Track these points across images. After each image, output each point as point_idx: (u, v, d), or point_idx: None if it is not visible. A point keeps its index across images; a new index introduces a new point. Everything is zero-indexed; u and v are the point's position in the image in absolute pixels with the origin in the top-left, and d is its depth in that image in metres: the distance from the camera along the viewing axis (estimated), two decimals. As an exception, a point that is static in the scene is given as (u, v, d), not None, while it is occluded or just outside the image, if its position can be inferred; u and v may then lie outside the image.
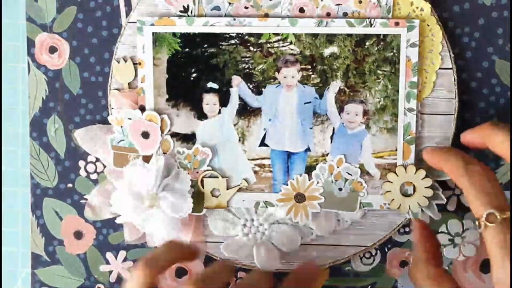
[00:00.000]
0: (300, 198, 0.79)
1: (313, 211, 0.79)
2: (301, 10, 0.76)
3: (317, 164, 0.78)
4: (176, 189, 0.77)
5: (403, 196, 0.77)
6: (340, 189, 0.78)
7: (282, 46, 0.76)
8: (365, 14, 0.76)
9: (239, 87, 0.77)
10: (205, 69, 0.77)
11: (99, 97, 0.80)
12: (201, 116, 0.78)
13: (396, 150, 0.77)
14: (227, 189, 0.79)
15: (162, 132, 0.78)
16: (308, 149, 0.78)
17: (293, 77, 0.77)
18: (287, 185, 0.78)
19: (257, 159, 0.79)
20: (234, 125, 0.78)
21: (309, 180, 0.78)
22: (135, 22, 0.77)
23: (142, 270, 0.67)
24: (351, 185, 0.78)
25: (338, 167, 0.78)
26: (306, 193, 0.78)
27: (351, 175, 0.78)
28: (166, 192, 0.76)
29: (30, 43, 0.80)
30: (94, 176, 0.81)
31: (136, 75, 0.78)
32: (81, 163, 0.81)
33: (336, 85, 0.77)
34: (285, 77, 0.77)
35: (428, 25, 0.76)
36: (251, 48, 0.77)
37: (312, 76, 0.77)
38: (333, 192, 0.78)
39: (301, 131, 0.78)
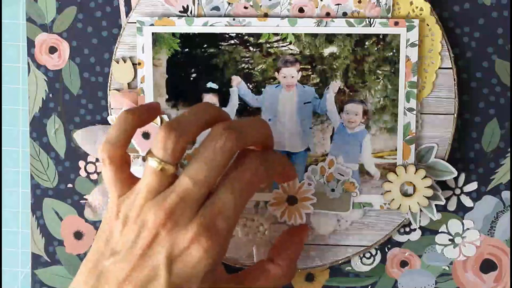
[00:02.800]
0: (292, 200, 0.78)
1: (306, 212, 0.79)
2: (301, 10, 0.76)
3: (317, 164, 0.78)
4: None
5: (403, 196, 0.77)
6: (333, 190, 0.78)
7: (282, 46, 0.76)
8: (364, 14, 0.76)
9: (238, 87, 0.77)
10: (204, 69, 0.77)
11: (99, 97, 0.80)
12: (201, 116, 0.78)
13: (396, 150, 0.77)
14: (227, 189, 0.79)
15: (162, 132, 0.78)
16: (308, 149, 0.78)
17: (292, 77, 0.77)
18: (278, 188, 0.79)
19: (257, 159, 0.78)
20: (234, 125, 0.78)
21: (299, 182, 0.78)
22: (135, 23, 0.77)
23: (167, 134, 0.61)
24: (343, 186, 0.78)
25: (329, 168, 0.78)
26: (298, 195, 0.78)
27: (343, 175, 0.78)
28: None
29: (30, 43, 0.80)
30: (94, 176, 0.81)
31: (135, 75, 0.78)
32: (81, 163, 0.81)
33: (335, 85, 0.77)
34: (284, 77, 0.77)
35: (427, 25, 0.76)
36: (251, 48, 0.77)
37: (312, 76, 0.77)
38: (325, 193, 0.78)
39: (301, 131, 0.78)
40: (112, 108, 0.79)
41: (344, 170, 0.78)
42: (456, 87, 0.77)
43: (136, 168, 0.76)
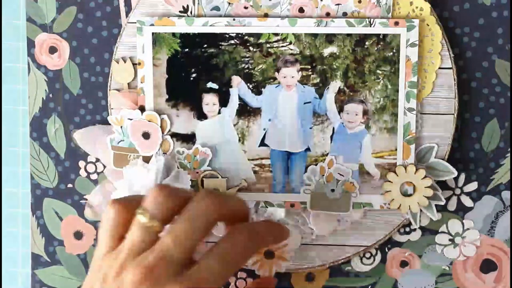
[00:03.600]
0: (269, 254, 0.79)
1: (277, 270, 0.79)
2: (301, 10, 0.76)
3: (316, 164, 0.78)
4: (176, 189, 0.76)
5: (403, 196, 0.77)
6: (332, 190, 0.78)
7: (282, 46, 0.76)
8: (364, 13, 0.76)
9: (238, 87, 0.77)
10: (204, 69, 0.77)
11: (99, 97, 0.80)
12: (201, 116, 0.78)
13: (396, 150, 0.77)
14: (227, 189, 0.79)
15: (162, 133, 0.78)
16: (308, 149, 0.78)
17: (292, 77, 0.77)
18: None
19: (257, 159, 0.79)
20: (234, 125, 0.78)
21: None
22: (135, 23, 0.77)
23: (159, 191, 0.61)
24: (343, 186, 0.78)
25: (329, 168, 0.78)
26: (276, 252, 0.79)
27: (343, 176, 0.78)
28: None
29: (30, 43, 0.80)
30: (94, 176, 0.81)
31: (135, 76, 0.78)
32: (81, 163, 0.81)
33: (335, 85, 0.77)
34: (284, 77, 0.77)
35: (427, 25, 0.76)
36: (251, 48, 0.77)
37: (312, 76, 0.77)
38: (325, 194, 0.78)
39: (301, 131, 0.78)
40: (112, 108, 0.79)
41: (344, 170, 0.77)
42: (456, 87, 0.77)
43: (136, 168, 0.76)
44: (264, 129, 0.78)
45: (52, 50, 0.80)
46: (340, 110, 0.77)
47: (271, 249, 0.78)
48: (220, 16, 0.77)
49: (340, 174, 0.78)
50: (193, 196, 0.63)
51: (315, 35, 0.76)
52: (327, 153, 0.78)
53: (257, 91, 0.77)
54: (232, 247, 0.62)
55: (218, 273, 0.60)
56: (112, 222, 0.62)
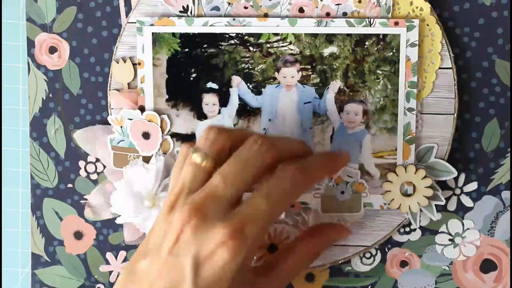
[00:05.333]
0: (272, 248, 0.79)
1: None
2: (301, 10, 0.76)
3: (316, 164, 0.78)
4: (176, 189, 0.76)
5: (403, 196, 0.77)
6: (342, 192, 0.78)
7: (282, 46, 0.76)
8: (364, 13, 0.76)
9: (238, 87, 0.77)
10: (204, 69, 0.77)
11: (99, 97, 0.80)
12: (201, 116, 0.78)
13: (396, 150, 0.77)
14: (227, 189, 0.79)
15: (162, 133, 0.78)
16: (308, 149, 0.78)
17: (292, 77, 0.77)
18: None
19: (257, 159, 0.78)
20: (234, 125, 0.78)
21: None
22: (135, 23, 0.77)
23: (210, 128, 0.64)
24: (353, 187, 0.78)
25: None
26: (280, 245, 0.79)
27: (352, 177, 0.78)
28: (166, 193, 0.75)
29: (30, 43, 0.80)
30: (94, 176, 0.81)
31: (135, 76, 0.78)
32: (81, 163, 0.81)
33: (335, 85, 0.77)
34: (284, 77, 0.77)
35: (427, 25, 0.76)
36: (251, 48, 0.77)
37: (312, 76, 0.77)
38: (335, 196, 0.78)
39: (301, 131, 0.78)
40: (112, 108, 0.79)
41: (352, 172, 0.77)
42: (456, 87, 0.77)
43: (136, 168, 0.76)
44: (264, 129, 0.78)
45: (52, 50, 0.80)
46: (340, 110, 0.77)
47: (274, 242, 0.78)
48: (220, 16, 0.77)
49: (349, 176, 0.77)
50: (248, 136, 0.64)
51: (315, 35, 0.76)
52: (327, 153, 0.78)
53: (257, 91, 0.77)
54: (279, 184, 0.62)
55: (265, 210, 0.61)
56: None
